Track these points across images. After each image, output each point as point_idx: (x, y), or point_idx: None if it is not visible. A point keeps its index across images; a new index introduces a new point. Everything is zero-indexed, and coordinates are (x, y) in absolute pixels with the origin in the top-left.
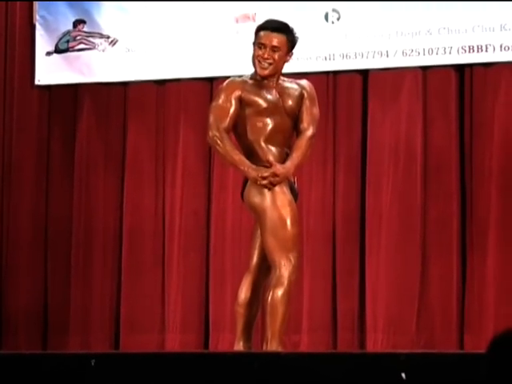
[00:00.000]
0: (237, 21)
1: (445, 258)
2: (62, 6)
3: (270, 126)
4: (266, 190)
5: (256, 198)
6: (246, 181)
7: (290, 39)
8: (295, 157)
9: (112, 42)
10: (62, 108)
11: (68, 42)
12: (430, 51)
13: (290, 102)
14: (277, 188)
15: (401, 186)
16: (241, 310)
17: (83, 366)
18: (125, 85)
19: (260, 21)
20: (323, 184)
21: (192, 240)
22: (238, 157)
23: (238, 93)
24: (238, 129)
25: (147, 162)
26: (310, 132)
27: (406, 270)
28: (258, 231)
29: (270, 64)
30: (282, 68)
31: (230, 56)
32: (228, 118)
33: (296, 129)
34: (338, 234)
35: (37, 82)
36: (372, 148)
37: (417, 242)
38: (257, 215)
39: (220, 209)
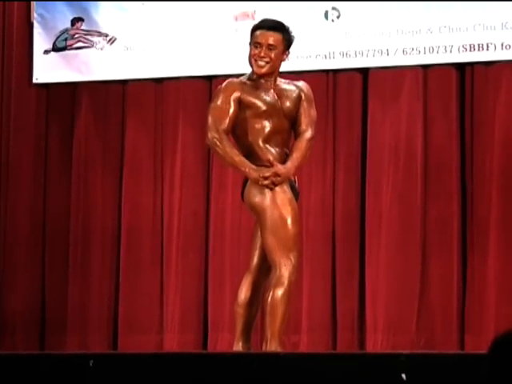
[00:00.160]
0: (236, 19)
1: (445, 258)
2: (59, 3)
3: (268, 128)
4: (266, 190)
5: (256, 198)
6: (245, 181)
7: (286, 38)
8: (295, 158)
9: (110, 40)
10: (59, 106)
11: (66, 40)
12: (431, 50)
13: (287, 104)
14: (277, 187)
15: (401, 186)
16: (240, 311)
17: (81, 367)
18: (123, 83)
19: (259, 19)
20: (323, 183)
21: (191, 240)
22: (239, 158)
23: (237, 94)
24: (236, 130)
25: (146, 160)
26: (309, 134)
27: (406, 270)
28: (259, 231)
29: (267, 62)
30: (279, 67)
31: (229, 54)
32: (227, 120)
33: (294, 130)
34: (338, 234)
35: (35, 81)
36: (372, 147)
37: (417, 241)
38: (257, 215)
39: (219, 208)
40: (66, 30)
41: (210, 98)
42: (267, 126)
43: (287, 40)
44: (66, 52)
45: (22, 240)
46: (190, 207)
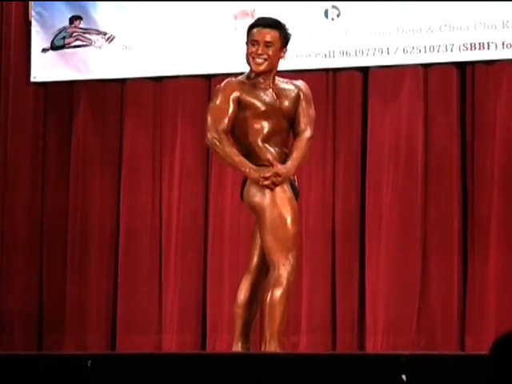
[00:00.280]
0: (235, 17)
1: (445, 258)
2: (58, 2)
3: (267, 128)
4: (266, 189)
5: (256, 197)
6: (245, 180)
7: (283, 35)
8: (295, 157)
9: (109, 38)
10: (58, 105)
11: (64, 38)
12: (432, 48)
13: (286, 104)
14: (277, 186)
15: (401, 185)
16: (239, 311)
17: (79, 367)
18: (122, 82)
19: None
20: (323, 182)
21: (190, 239)
22: (238, 158)
23: (236, 94)
24: (235, 130)
25: (144, 159)
26: (308, 133)
27: (406, 270)
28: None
29: (265, 60)
30: (277, 65)
31: (228, 53)
32: (226, 120)
33: (293, 130)
34: (338, 233)
35: (32, 79)
36: (372, 146)
37: (417, 241)
38: (257, 214)
39: (218, 208)
40: (64, 29)
41: (209, 96)
42: (266, 125)
43: (284, 37)
44: (64, 50)
45: (19, 239)
46: (188, 206)
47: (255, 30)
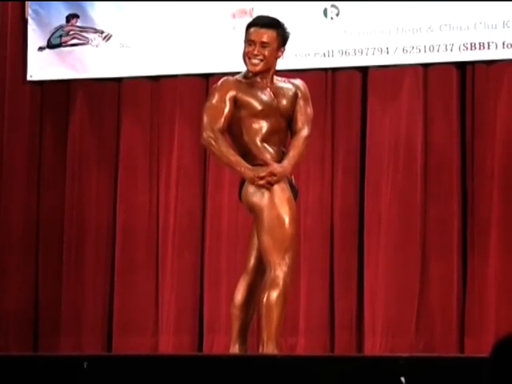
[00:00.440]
0: (233, 16)
1: (445, 259)
2: (54, 0)
3: (265, 128)
4: (264, 189)
5: (254, 197)
6: (243, 180)
7: (281, 34)
8: (292, 156)
9: (106, 37)
10: (54, 104)
11: (61, 36)
12: (431, 48)
13: (284, 103)
14: (276, 186)
15: (400, 185)
16: (237, 312)
17: (75, 368)
18: (119, 81)
19: None
20: (321, 182)
21: (187, 239)
22: (234, 158)
23: (232, 93)
24: (232, 130)
25: (141, 159)
26: (305, 132)
27: (405, 271)
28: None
29: (261, 60)
30: (274, 64)
31: (226, 52)
32: (222, 119)
33: (290, 129)
34: (336, 233)
35: (29, 78)
36: (371, 146)
37: (416, 241)
38: (255, 214)
39: (215, 207)
40: (60, 27)
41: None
42: (264, 125)
43: (282, 36)
44: (61, 49)
45: (15, 239)
46: (185, 206)
47: (252, 30)
